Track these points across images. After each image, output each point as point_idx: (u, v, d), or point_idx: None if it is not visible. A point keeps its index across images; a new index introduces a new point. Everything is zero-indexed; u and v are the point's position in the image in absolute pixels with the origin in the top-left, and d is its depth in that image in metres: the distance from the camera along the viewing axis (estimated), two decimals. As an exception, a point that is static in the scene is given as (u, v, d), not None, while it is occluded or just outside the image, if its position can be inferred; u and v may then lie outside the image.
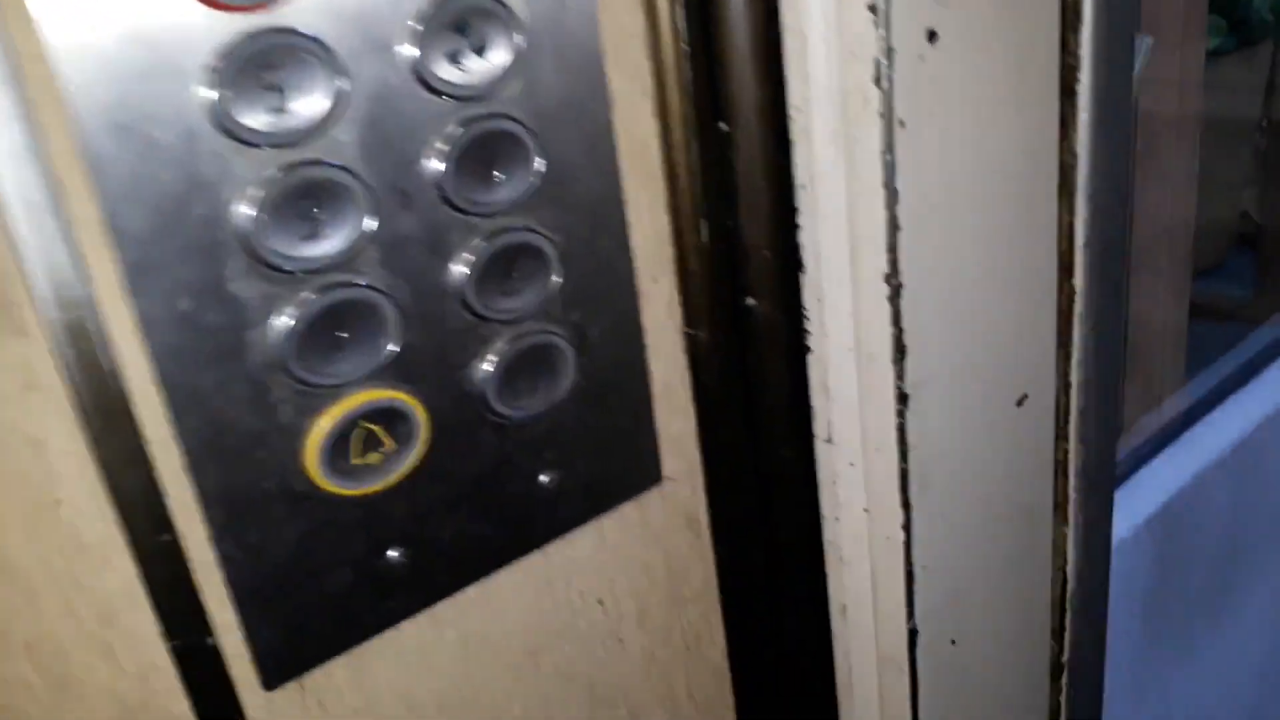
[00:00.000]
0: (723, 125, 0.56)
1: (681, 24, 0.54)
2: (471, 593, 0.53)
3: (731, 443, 0.64)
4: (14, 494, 0.39)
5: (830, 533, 0.66)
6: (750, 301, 0.61)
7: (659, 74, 0.54)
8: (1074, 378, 0.72)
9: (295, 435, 0.45)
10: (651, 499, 0.61)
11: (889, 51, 0.53)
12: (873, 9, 0.52)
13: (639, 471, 0.59)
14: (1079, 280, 0.69)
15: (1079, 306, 0.70)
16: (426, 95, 0.45)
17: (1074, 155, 0.65)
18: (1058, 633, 0.81)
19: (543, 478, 0.55)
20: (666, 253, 0.58)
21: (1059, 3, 0.61)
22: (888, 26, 0.53)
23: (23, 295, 0.37)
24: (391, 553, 0.49)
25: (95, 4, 0.36)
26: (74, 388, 0.39)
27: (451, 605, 0.53)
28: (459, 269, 0.48)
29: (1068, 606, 0.80)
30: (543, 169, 0.49)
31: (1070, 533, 0.78)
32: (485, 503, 0.52)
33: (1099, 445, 0.74)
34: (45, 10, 0.35)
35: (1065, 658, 0.83)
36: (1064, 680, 0.83)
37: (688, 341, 0.60)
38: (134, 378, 0.40)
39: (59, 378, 0.38)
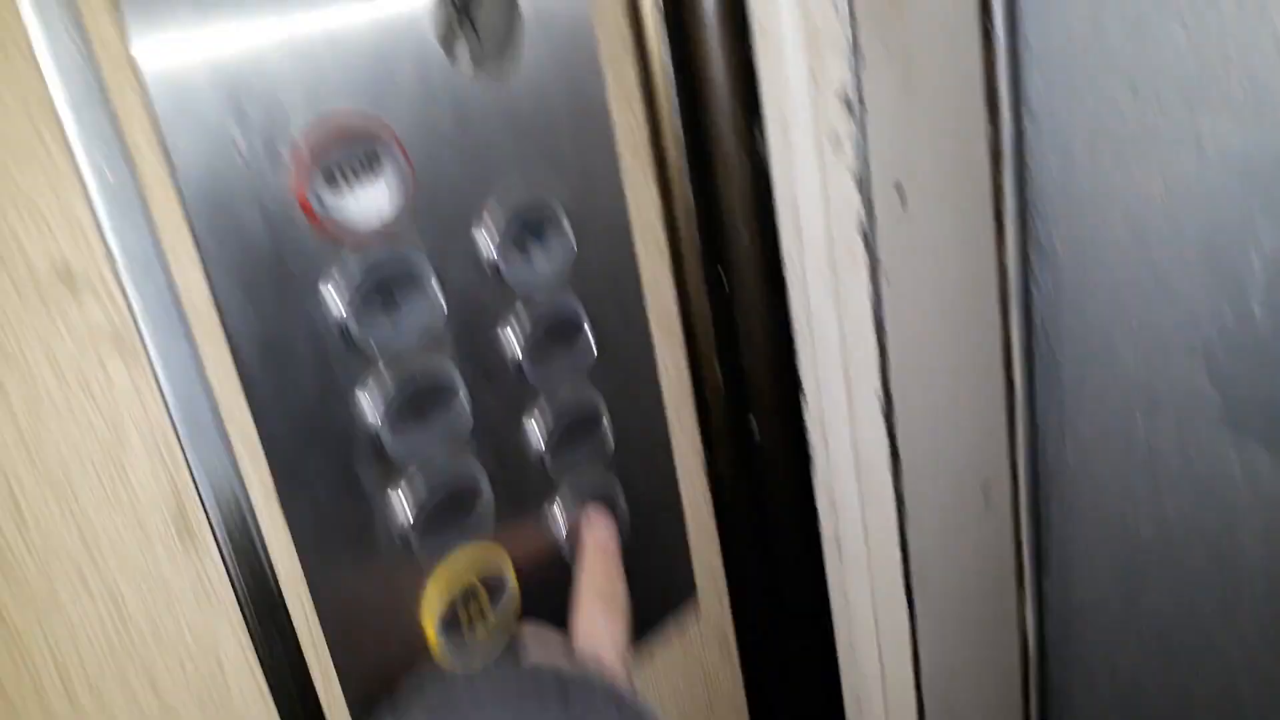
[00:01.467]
0: (726, 279, 0.64)
1: (689, 191, 0.61)
2: None
3: (747, 558, 0.70)
4: (196, 699, 0.41)
5: (842, 633, 0.73)
6: (756, 427, 0.68)
7: (673, 239, 0.62)
8: (1021, 462, 0.82)
9: (414, 610, 0.48)
10: (688, 616, 0.66)
11: (869, 210, 0.62)
12: (855, 177, 0.61)
13: (677, 589, 0.65)
14: (1018, 377, 0.79)
15: (1020, 398, 0.80)
16: (503, 288, 0.51)
17: (1005, 270, 0.76)
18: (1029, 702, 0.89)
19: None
20: (687, 391, 0.64)
21: (989, 149, 0.72)
22: (867, 190, 0.62)
23: (194, 506, 0.41)
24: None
25: (244, 240, 0.41)
26: (239, 596, 0.42)
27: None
28: (537, 438, 0.53)
29: (1031, 671, 0.89)
30: (595, 341, 0.55)
31: (1029, 600, 0.87)
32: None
33: (1048, 520, 0.84)
34: (209, 254, 0.40)
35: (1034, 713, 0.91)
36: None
37: (708, 467, 0.67)
38: (287, 581, 0.43)
39: (229, 586, 0.42)
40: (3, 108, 0.35)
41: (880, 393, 0.66)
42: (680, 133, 0.60)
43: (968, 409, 0.76)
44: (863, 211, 0.61)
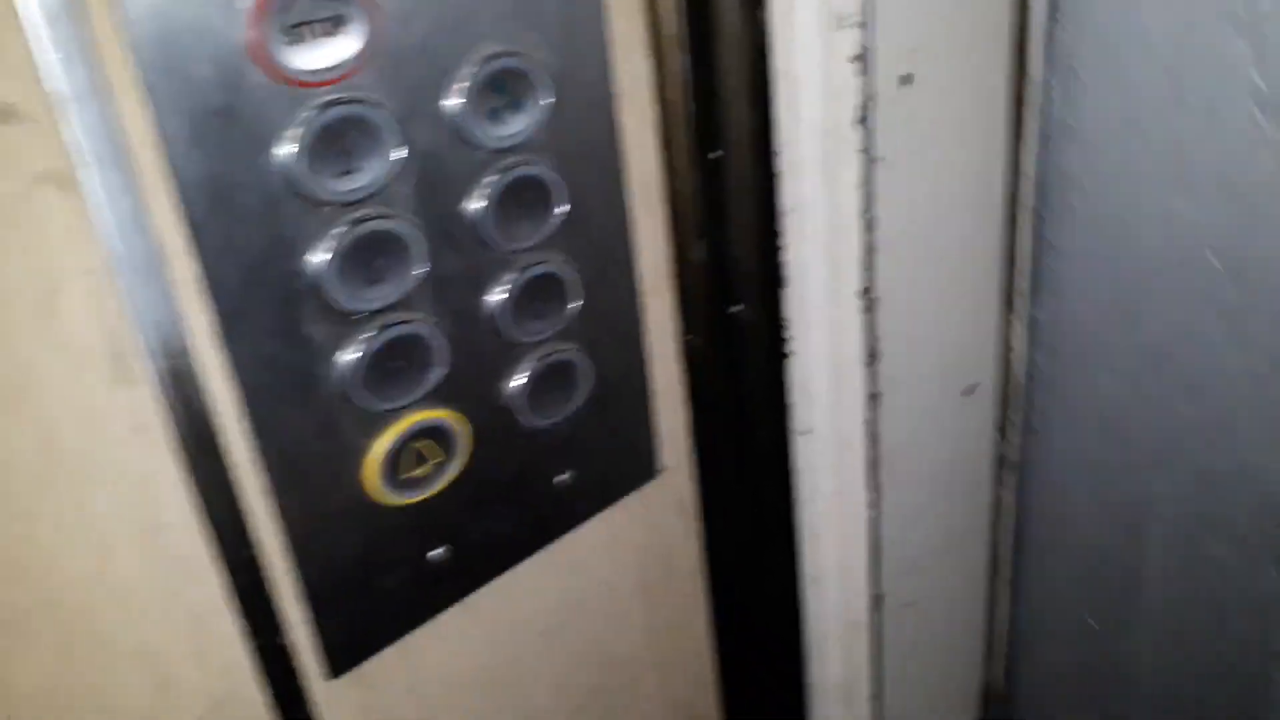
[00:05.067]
0: (717, 155, 0.62)
1: (687, 67, 0.59)
2: (500, 583, 0.59)
3: (719, 435, 0.71)
4: (126, 523, 0.43)
5: (805, 513, 0.74)
6: (738, 309, 0.67)
7: (664, 113, 0.60)
8: (1015, 366, 0.81)
9: (358, 455, 0.50)
10: (650, 489, 0.67)
11: (870, 95, 0.60)
12: (858, 58, 0.58)
13: (641, 466, 0.66)
14: (1023, 281, 0.77)
15: (1019, 305, 0.78)
16: (469, 149, 0.50)
17: (1022, 175, 0.73)
18: (995, 594, 0.91)
19: (561, 478, 0.61)
20: (667, 270, 0.64)
21: (1012, 41, 0.68)
22: (869, 73, 0.59)
23: (132, 348, 0.42)
24: (435, 552, 0.55)
25: (194, 88, 0.40)
26: (175, 427, 0.43)
27: (483, 595, 0.59)
28: (495, 300, 0.53)
29: (1000, 569, 0.90)
30: (567, 208, 0.54)
31: (1006, 501, 0.87)
32: (513, 503, 0.58)
33: (1034, 428, 0.83)
34: (158, 99, 0.39)
35: (1002, 614, 0.93)
36: (1000, 633, 0.93)
37: (683, 346, 0.67)
38: (224, 414, 0.45)
39: (162, 419, 0.43)
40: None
41: (863, 291, 0.65)
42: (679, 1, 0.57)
43: (959, 308, 0.75)
44: (862, 96, 0.59)
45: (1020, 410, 0.82)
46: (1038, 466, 0.84)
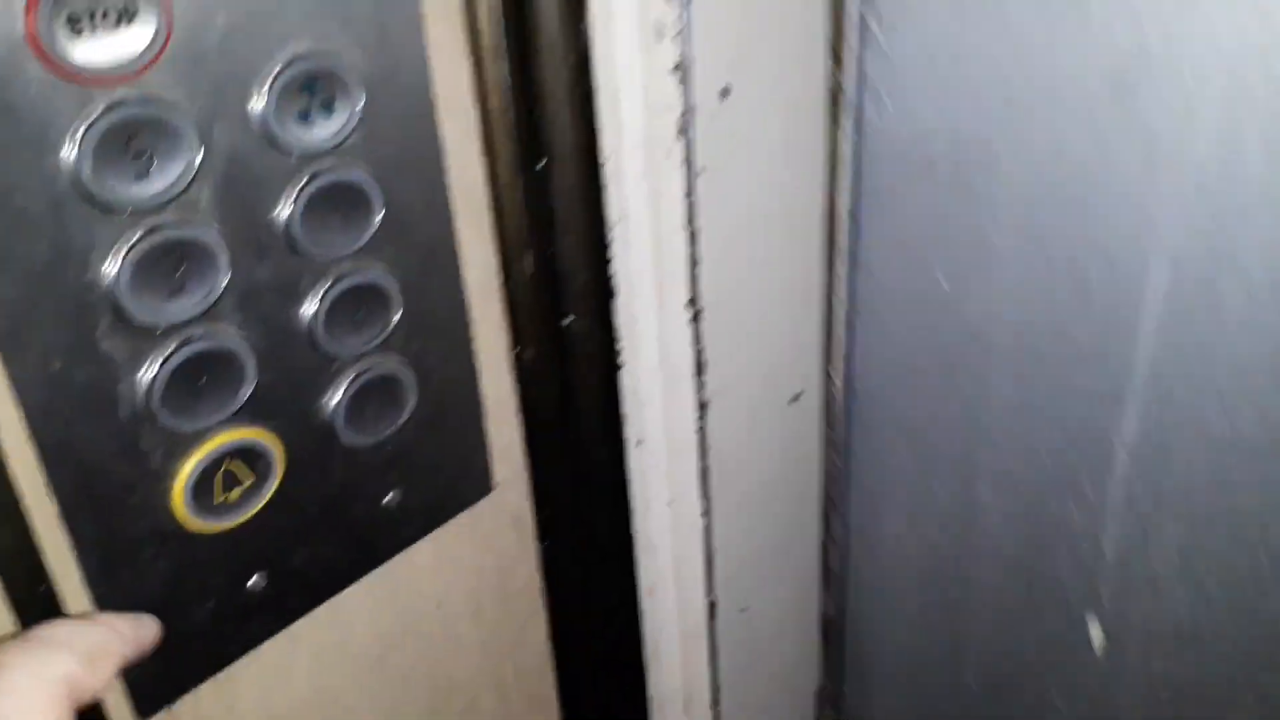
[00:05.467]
0: (543, 164, 0.62)
1: (506, 74, 0.59)
2: (325, 610, 0.57)
3: (553, 449, 0.70)
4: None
5: (639, 524, 0.74)
6: (569, 321, 0.67)
7: (486, 120, 0.59)
8: (837, 375, 0.84)
9: (163, 479, 0.47)
10: (483, 506, 0.66)
11: (691, 107, 0.61)
12: (677, 69, 0.60)
13: (472, 484, 0.65)
14: (841, 289, 0.80)
15: (842, 315, 0.81)
16: (276, 153, 0.48)
17: (838, 187, 0.76)
18: (826, 596, 0.93)
19: (387, 498, 0.59)
20: (495, 281, 0.63)
21: (828, 56, 0.71)
22: (689, 85, 0.60)
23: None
24: (253, 579, 0.52)
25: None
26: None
27: (307, 623, 0.56)
28: (309, 311, 0.51)
29: (832, 568, 0.93)
30: (383, 215, 0.53)
31: (836, 509, 0.90)
32: (336, 526, 0.56)
33: (858, 432, 0.86)
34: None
35: (833, 615, 0.96)
36: (834, 637, 0.96)
37: (515, 360, 0.66)
38: (8, 437, 0.41)
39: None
40: None
41: (689, 302, 0.66)
42: (498, 5, 0.56)
43: (786, 319, 0.77)
44: (682, 108, 0.60)
45: (843, 415, 0.85)
46: (863, 469, 0.88)
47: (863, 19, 0.70)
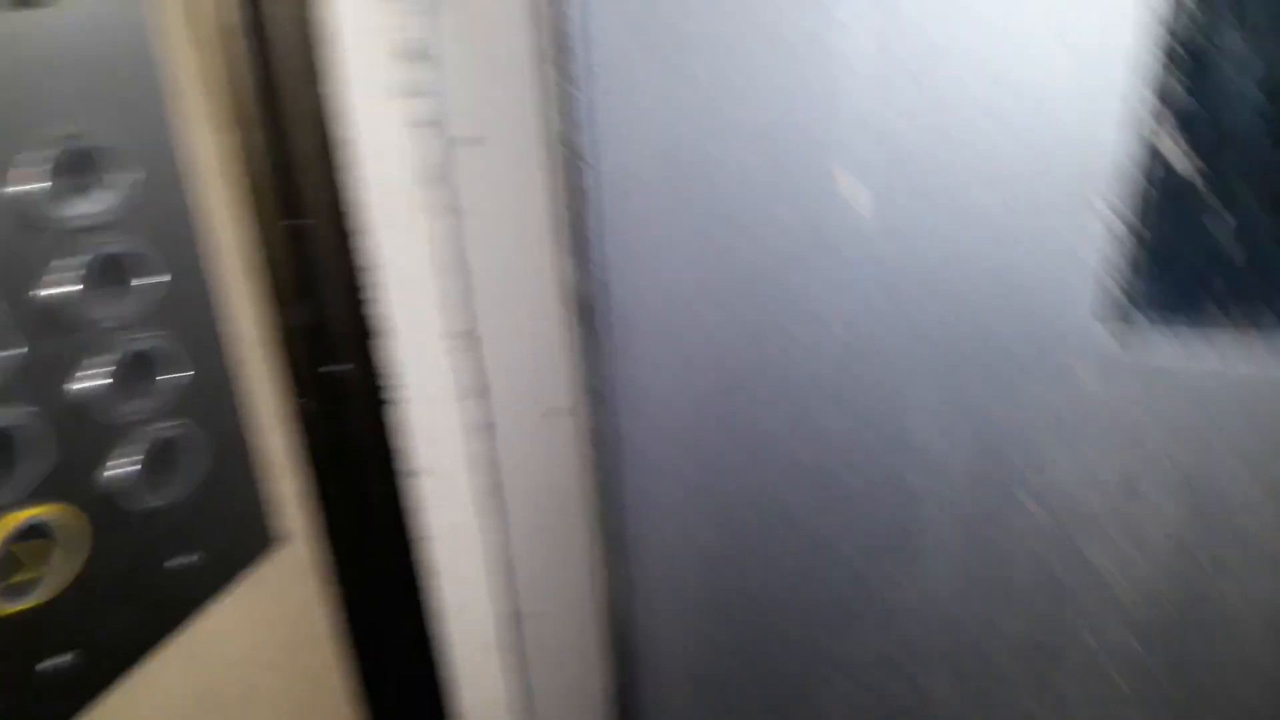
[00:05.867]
0: (303, 221, 0.65)
1: (261, 140, 0.61)
2: (127, 684, 0.56)
3: (339, 493, 0.72)
4: None
5: (429, 551, 0.78)
6: (342, 367, 0.70)
7: (248, 184, 0.61)
8: (602, 387, 0.91)
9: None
10: (274, 558, 0.67)
11: (441, 154, 0.66)
12: (424, 123, 0.65)
13: (262, 537, 0.66)
14: (589, 311, 0.88)
15: (581, 335, 0.89)
16: (44, 230, 0.48)
17: (576, 218, 0.83)
18: (614, 598, 1.00)
19: (181, 561, 0.59)
20: (267, 336, 0.65)
21: (556, 96, 0.78)
22: (437, 135, 0.66)
23: None
24: (50, 661, 0.51)
25: None
26: None
27: (109, 700, 0.55)
28: (91, 381, 0.51)
29: (613, 562, 1.00)
30: (154, 282, 0.54)
31: (603, 510, 0.97)
32: (133, 597, 0.56)
33: (616, 440, 0.94)
34: None
35: (622, 616, 1.03)
36: (617, 633, 1.03)
37: (293, 410, 0.68)
38: None
39: None
40: None
41: (452, 333, 0.70)
42: (250, 78, 0.59)
43: (550, 340, 0.83)
44: (435, 157, 0.65)
45: (610, 425, 0.93)
46: (636, 474, 0.96)
47: (573, 74, 0.78)
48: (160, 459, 0.56)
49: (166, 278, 0.55)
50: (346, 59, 0.61)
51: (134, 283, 0.53)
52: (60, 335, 0.49)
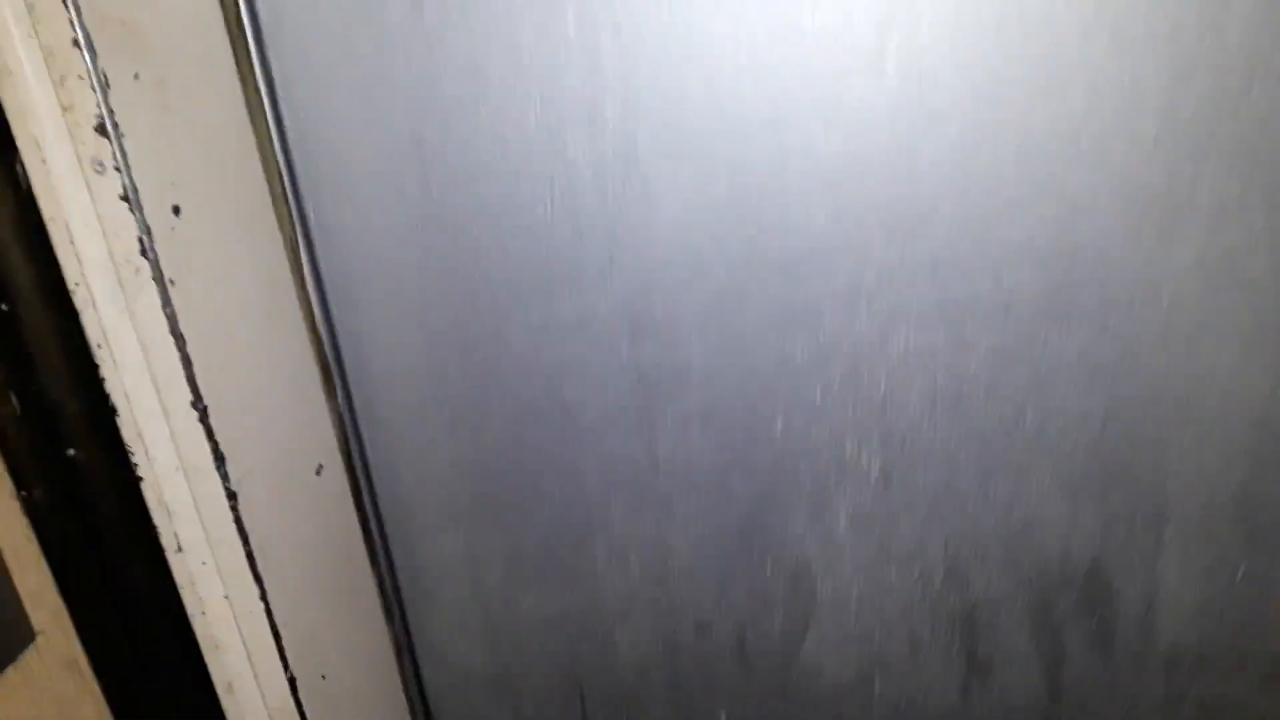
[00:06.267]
0: (10, 310, 0.64)
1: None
2: None
3: (89, 582, 0.70)
4: None
5: (201, 627, 0.76)
6: (73, 453, 0.68)
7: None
8: (352, 449, 0.93)
9: None
10: (28, 657, 0.65)
11: (146, 227, 0.67)
12: (124, 197, 0.65)
13: (11, 637, 0.63)
14: (331, 363, 0.89)
15: (340, 395, 0.90)
16: None
17: (302, 271, 0.85)
18: (401, 658, 1.01)
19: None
20: (-19, 431, 0.63)
21: (264, 157, 0.80)
22: (139, 208, 0.66)
23: None
24: None
25: None
26: None
27: None
28: None
29: (394, 613, 1.01)
30: None
31: (382, 568, 0.98)
32: None
33: (373, 495, 0.96)
34: None
35: (412, 676, 1.03)
36: (411, 679, 1.03)
37: (23, 504, 0.66)
38: None
39: None
40: None
41: (192, 399, 0.71)
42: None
43: (291, 399, 0.84)
44: (139, 230, 0.66)
45: (368, 478, 0.94)
46: (402, 527, 0.97)
47: (282, 132, 0.81)
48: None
49: None
50: (42, 136, 0.61)
51: None
52: None
